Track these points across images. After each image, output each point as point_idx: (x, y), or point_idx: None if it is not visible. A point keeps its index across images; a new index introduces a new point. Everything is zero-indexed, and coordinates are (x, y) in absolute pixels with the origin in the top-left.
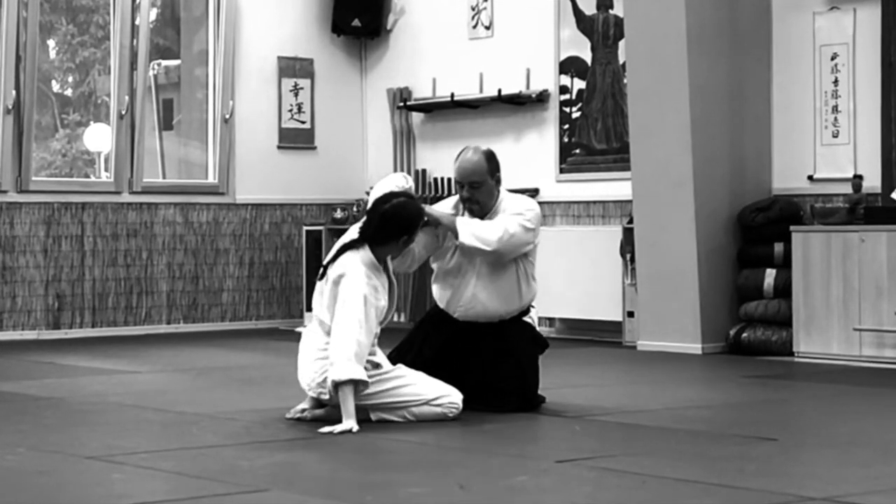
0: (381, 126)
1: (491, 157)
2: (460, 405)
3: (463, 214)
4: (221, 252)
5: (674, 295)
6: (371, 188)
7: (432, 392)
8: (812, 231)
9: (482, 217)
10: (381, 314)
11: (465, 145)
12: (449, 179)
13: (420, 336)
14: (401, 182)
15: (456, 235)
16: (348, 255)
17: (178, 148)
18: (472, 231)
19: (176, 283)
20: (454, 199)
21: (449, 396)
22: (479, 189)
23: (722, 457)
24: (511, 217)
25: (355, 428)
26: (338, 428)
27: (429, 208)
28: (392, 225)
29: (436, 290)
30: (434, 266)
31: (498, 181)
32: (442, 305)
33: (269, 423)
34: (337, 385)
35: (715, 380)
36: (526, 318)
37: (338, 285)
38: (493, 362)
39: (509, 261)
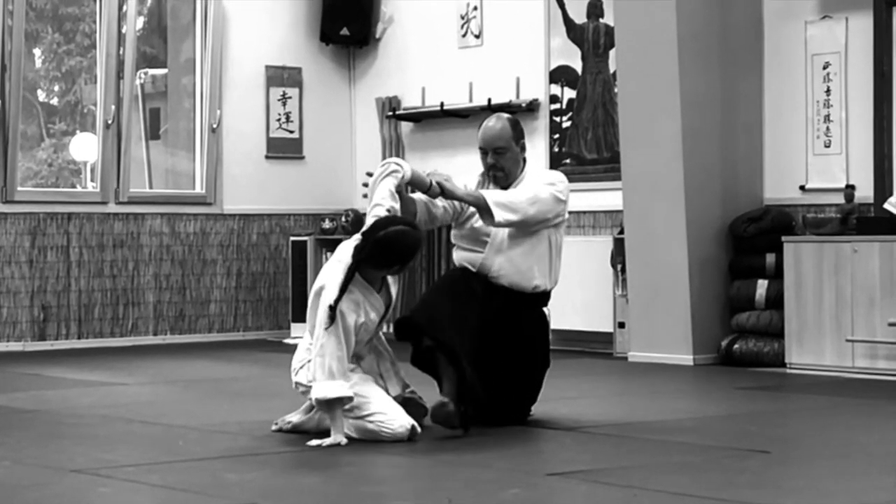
0: (369, 135)
1: (515, 124)
2: (395, 430)
3: (488, 185)
4: (209, 263)
5: (665, 306)
6: (369, 175)
7: (371, 408)
8: (804, 241)
9: (506, 187)
10: (359, 329)
11: (454, 152)
12: None
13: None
14: (391, 182)
15: (489, 215)
16: (332, 267)
17: (165, 158)
18: (499, 202)
19: (163, 294)
20: (475, 176)
21: (384, 414)
22: (504, 155)
23: (714, 469)
24: (542, 185)
25: (343, 441)
26: (326, 441)
27: (451, 186)
28: (385, 254)
29: (462, 255)
30: (455, 229)
31: (523, 148)
32: (472, 268)
33: (258, 435)
34: (321, 402)
35: (706, 391)
36: (546, 310)
37: (319, 297)
38: (508, 368)
39: (542, 229)
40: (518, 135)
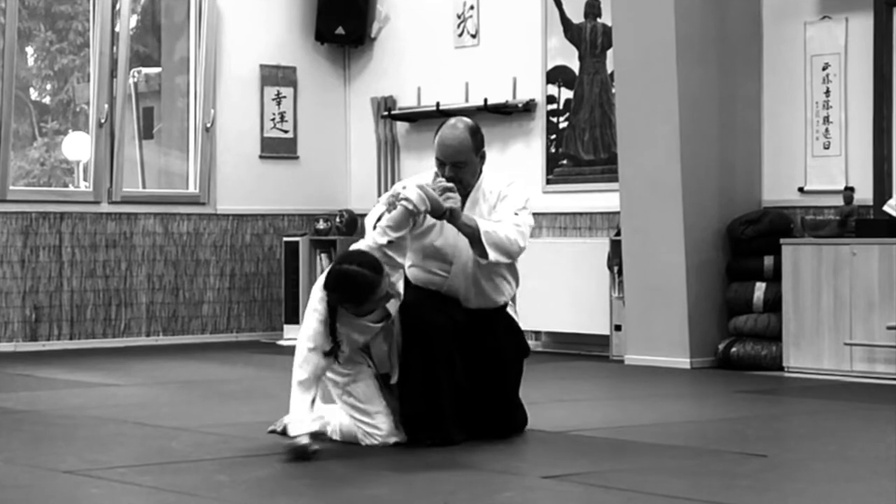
0: (364, 135)
1: (476, 132)
2: (369, 444)
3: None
4: (202, 263)
5: (662, 308)
6: (403, 187)
7: (364, 416)
8: (802, 244)
9: (464, 197)
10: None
11: (449, 118)
12: None
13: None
14: (406, 216)
15: (483, 252)
16: (315, 290)
17: (158, 157)
18: (494, 242)
19: (156, 294)
20: (429, 175)
21: (373, 427)
22: (463, 169)
23: (711, 473)
24: (522, 212)
25: (305, 440)
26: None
27: (458, 213)
28: (333, 288)
29: (419, 274)
30: (411, 247)
31: (482, 158)
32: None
33: (250, 436)
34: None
35: (704, 395)
36: (512, 313)
37: None
38: (487, 381)
39: None
40: (479, 144)
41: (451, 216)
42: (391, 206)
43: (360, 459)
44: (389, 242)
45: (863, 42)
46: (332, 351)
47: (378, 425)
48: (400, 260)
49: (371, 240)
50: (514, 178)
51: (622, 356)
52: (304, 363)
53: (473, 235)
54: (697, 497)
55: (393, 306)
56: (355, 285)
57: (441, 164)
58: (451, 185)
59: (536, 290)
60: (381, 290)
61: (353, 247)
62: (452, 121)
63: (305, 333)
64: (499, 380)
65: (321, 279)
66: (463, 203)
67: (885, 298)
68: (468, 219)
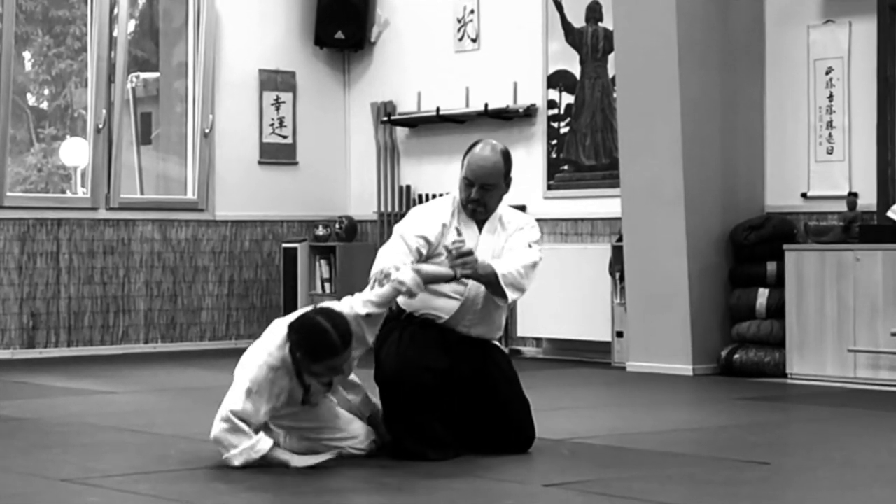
0: (364, 141)
1: (507, 157)
2: (356, 451)
3: (460, 218)
4: (200, 270)
5: (664, 315)
6: (397, 269)
7: (330, 430)
8: (806, 250)
9: (483, 221)
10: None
11: (450, 159)
12: (433, 195)
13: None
14: (393, 293)
15: (503, 294)
16: (276, 328)
17: (156, 163)
18: (510, 283)
19: (154, 301)
20: (449, 201)
21: (343, 432)
22: (490, 192)
23: (714, 480)
24: (534, 248)
25: (293, 463)
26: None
27: (471, 267)
28: (299, 332)
29: (428, 300)
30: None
31: (509, 184)
32: (444, 316)
33: None
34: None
35: (706, 402)
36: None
37: None
38: (501, 400)
39: None
40: (508, 169)
41: (467, 277)
42: (378, 283)
43: (359, 469)
44: (368, 315)
45: (866, 46)
46: (305, 399)
47: (354, 433)
48: (370, 338)
49: (348, 306)
50: (534, 221)
51: (624, 363)
52: (244, 409)
53: (490, 280)
54: None
55: (338, 380)
56: (315, 342)
57: (469, 184)
58: (469, 249)
59: (537, 296)
60: (338, 361)
61: (332, 305)
62: (483, 143)
63: (251, 376)
64: (514, 406)
65: (285, 322)
66: (480, 227)
67: (889, 304)
68: (482, 267)
